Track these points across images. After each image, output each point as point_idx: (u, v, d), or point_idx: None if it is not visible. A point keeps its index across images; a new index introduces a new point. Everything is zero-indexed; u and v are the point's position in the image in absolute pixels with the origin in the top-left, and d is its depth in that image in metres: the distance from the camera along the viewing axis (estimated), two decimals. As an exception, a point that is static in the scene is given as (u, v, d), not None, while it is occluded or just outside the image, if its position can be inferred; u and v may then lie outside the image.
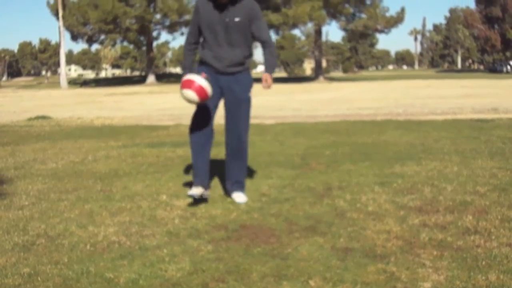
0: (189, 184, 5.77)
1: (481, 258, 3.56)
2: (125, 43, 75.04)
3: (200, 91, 4.88)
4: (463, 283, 3.18)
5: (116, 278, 3.39)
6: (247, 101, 5.21)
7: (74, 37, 62.80)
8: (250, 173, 6.19)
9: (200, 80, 4.89)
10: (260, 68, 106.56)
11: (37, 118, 16.59)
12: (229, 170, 5.39)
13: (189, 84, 4.90)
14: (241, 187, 5.33)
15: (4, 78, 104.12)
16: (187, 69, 5.24)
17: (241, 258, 3.69)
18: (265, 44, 5.18)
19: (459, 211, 4.67)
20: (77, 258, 3.78)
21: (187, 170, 6.79)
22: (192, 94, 4.90)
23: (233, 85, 5.17)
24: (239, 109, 5.20)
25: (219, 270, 3.48)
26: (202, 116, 5.18)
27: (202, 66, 5.22)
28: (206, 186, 5.25)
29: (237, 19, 5.07)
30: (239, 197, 5.25)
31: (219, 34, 5.10)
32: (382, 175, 6.24)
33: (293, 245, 3.92)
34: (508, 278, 3.22)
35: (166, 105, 22.55)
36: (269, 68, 5.15)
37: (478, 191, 5.34)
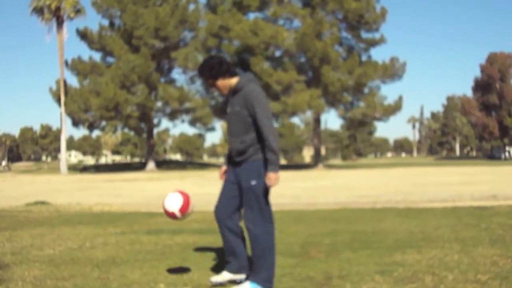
0: (186, 272, 5.73)
1: None
2: (126, 130, 75.75)
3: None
4: None
5: None
6: (250, 190, 5.14)
7: (75, 123, 63.35)
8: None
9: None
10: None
11: (36, 203, 16.55)
12: None
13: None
14: (253, 278, 5.21)
15: (4, 163, 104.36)
16: (226, 159, 5.52)
17: None
18: (263, 136, 5.07)
19: (461, 301, 4.61)
20: None
21: (186, 258, 6.75)
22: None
23: (239, 174, 5.23)
24: (245, 199, 5.20)
25: None
26: (220, 205, 5.35)
27: None
28: (239, 268, 5.33)
29: (237, 109, 5.16)
30: (241, 285, 5.18)
31: (228, 125, 5.30)
32: (382, 263, 6.18)
33: (293, 335, 3.85)
34: None
35: (166, 192, 22.38)
36: (270, 166, 5.04)
37: (479, 279, 5.29)
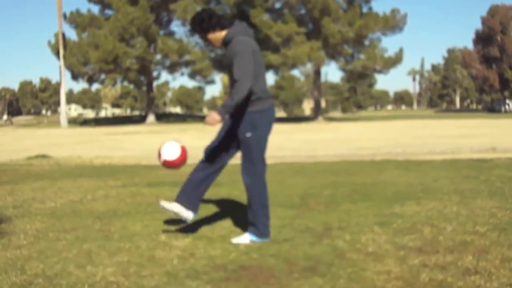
0: (186, 223, 5.77)
1: (482, 299, 3.54)
2: (125, 83, 75.51)
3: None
4: (464, 324, 3.15)
5: (114, 319, 3.36)
6: (245, 142, 5.17)
7: (75, 77, 63.15)
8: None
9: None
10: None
11: (37, 157, 16.59)
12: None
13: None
14: (251, 229, 5.26)
15: (5, 117, 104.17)
16: None
17: (240, 299, 3.67)
18: (234, 83, 5.01)
19: (459, 251, 4.65)
20: (75, 298, 3.75)
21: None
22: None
23: (235, 126, 5.20)
24: (241, 149, 5.23)
25: (218, 311, 3.46)
26: (214, 145, 5.33)
27: None
28: (190, 205, 5.33)
29: (228, 61, 5.14)
30: (239, 237, 5.22)
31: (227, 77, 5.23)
32: (381, 215, 6.22)
33: (293, 286, 3.90)
34: (509, 320, 3.19)
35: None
36: (219, 107, 4.99)
37: (477, 231, 5.33)
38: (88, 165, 14.13)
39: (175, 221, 6.12)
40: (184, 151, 5.28)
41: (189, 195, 5.31)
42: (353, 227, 5.66)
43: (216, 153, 5.30)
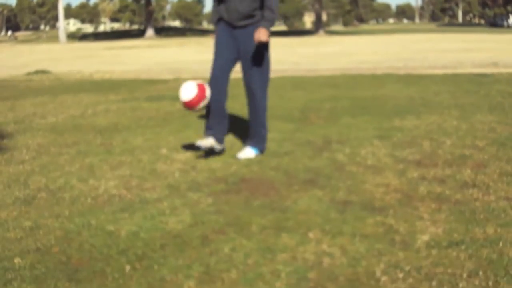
0: (187, 137, 5.80)
1: (479, 211, 3.59)
2: (124, -4, 74.42)
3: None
4: (461, 235, 3.21)
5: (117, 230, 3.43)
6: (258, 53, 5.09)
7: (72, -10, 62.19)
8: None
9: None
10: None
11: (36, 72, 16.51)
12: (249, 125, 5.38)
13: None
14: (253, 143, 5.28)
15: (3, 33, 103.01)
16: (215, 25, 5.32)
17: (240, 210, 3.73)
18: None
19: (457, 165, 4.69)
20: (78, 211, 3.82)
21: (187, 124, 6.81)
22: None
23: (244, 39, 5.09)
24: (251, 63, 5.12)
25: (219, 222, 3.52)
26: (219, 68, 5.15)
27: (220, 20, 5.20)
28: (220, 139, 5.24)
29: None
30: (244, 152, 5.23)
31: None
32: (381, 129, 6.24)
33: (293, 198, 3.96)
34: (506, 231, 3.25)
35: (166, 59, 22.44)
36: (264, 22, 4.99)
37: (477, 145, 5.36)
38: (88, 79, 14.09)
39: (176, 135, 6.16)
40: (201, 89, 5.03)
41: (218, 126, 5.23)
42: (353, 140, 5.69)
43: (222, 72, 5.18)
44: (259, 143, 5.27)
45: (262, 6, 5.05)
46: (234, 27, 5.12)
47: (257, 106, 5.23)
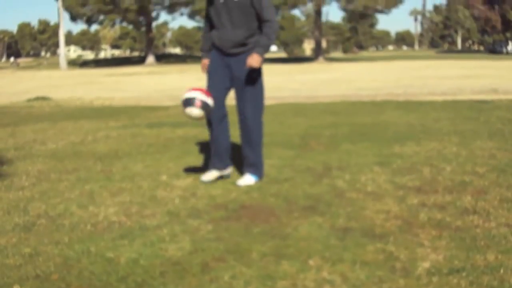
0: (188, 164, 5.80)
1: (480, 238, 3.58)
2: (124, 24, 74.81)
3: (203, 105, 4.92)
4: (462, 262, 3.20)
5: (117, 257, 3.41)
6: (250, 80, 5.08)
7: (73, 18, 62.59)
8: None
9: (199, 95, 4.93)
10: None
11: (37, 99, 16.56)
12: (242, 152, 5.37)
13: (191, 102, 4.93)
14: (253, 170, 5.27)
15: (4, 59, 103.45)
16: (204, 52, 5.36)
17: (241, 237, 3.71)
18: (265, 24, 5.00)
19: (458, 191, 4.69)
20: (78, 238, 3.80)
21: (187, 150, 6.81)
22: (196, 111, 4.93)
23: (237, 66, 5.08)
24: (244, 90, 5.12)
25: (219, 249, 3.50)
26: (215, 98, 5.10)
27: (213, 48, 5.22)
28: (226, 165, 5.31)
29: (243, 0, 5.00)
30: (243, 179, 5.21)
31: (222, 15, 5.06)
32: (381, 155, 6.24)
33: (293, 224, 3.94)
34: (506, 258, 3.24)
35: (166, 85, 22.52)
36: (258, 48, 4.96)
37: (477, 171, 5.36)
38: (89, 106, 14.13)
39: (176, 161, 6.16)
40: (194, 88, 5.06)
41: (220, 156, 5.27)
42: (353, 167, 5.69)
43: (218, 101, 5.17)
44: (258, 170, 5.27)
45: (255, 34, 5.06)
46: (227, 55, 5.13)
47: (251, 134, 5.21)
